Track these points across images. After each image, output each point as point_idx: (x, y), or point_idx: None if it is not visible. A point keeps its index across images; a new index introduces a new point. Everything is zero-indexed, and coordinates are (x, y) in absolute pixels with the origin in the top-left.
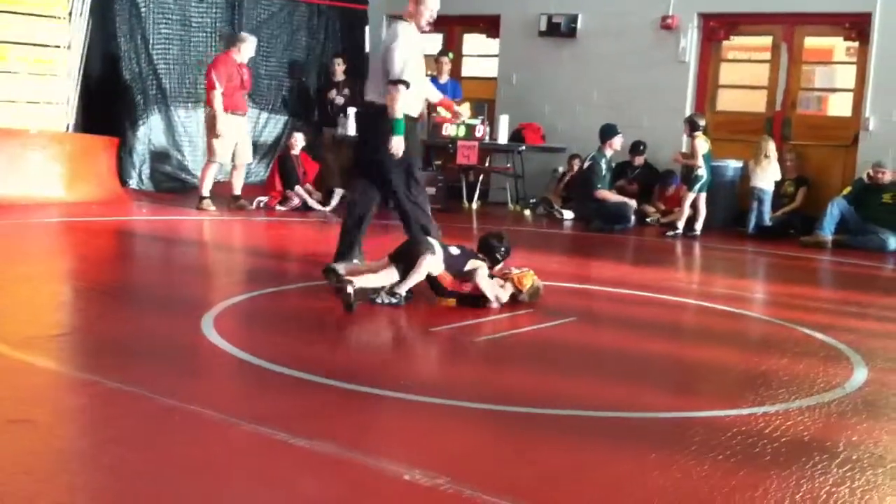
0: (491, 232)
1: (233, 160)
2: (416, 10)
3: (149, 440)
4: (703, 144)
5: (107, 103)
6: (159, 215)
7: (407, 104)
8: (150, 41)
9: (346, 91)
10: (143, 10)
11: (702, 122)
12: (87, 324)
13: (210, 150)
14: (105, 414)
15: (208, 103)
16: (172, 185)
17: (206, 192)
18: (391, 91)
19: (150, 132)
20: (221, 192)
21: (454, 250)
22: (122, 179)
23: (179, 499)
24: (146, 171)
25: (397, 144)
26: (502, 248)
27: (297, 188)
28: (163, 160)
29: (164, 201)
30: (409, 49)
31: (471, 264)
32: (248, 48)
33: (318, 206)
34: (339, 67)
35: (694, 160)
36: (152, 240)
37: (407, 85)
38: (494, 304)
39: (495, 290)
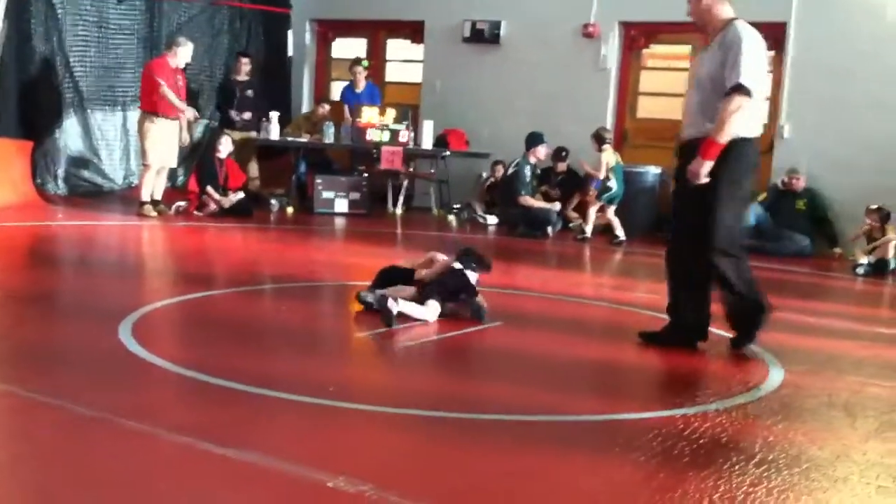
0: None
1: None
2: None
3: (67, 452)
4: (610, 158)
5: (22, 106)
6: (75, 220)
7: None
8: (67, 43)
9: (250, 92)
10: (59, 11)
11: (608, 136)
12: None
13: (144, 155)
14: (20, 425)
15: (143, 107)
16: (89, 189)
17: (145, 197)
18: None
19: (66, 136)
20: (135, 196)
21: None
22: (37, 184)
23: None
24: (62, 175)
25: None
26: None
27: (210, 189)
28: (79, 164)
29: (80, 206)
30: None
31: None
32: (183, 53)
33: (233, 199)
34: (244, 67)
35: (597, 172)
36: (68, 245)
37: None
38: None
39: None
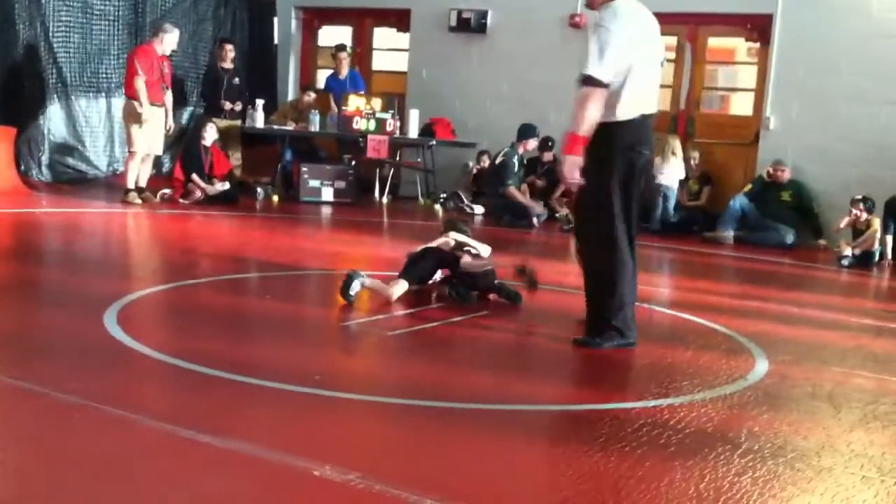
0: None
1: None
2: None
3: (47, 438)
4: None
5: (5, 92)
6: (59, 207)
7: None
8: (51, 29)
9: (237, 80)
10: None
11: None
12: None
13: (129, 141)
14: (3, 412)
15: (128, 94)
16: (73, 176)
17: (130, 184)
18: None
19: (50, 122)
20: (118, 183)
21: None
22: (21, 171)
23: (80, 499)
24: (46, 161)
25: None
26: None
27: (195, 177)
28: (63, 151)
29: (64, 193)
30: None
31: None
32: (170, 40)
33: (218, 187)
34: (229, 54)
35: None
36: (52, 233)
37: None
38: None
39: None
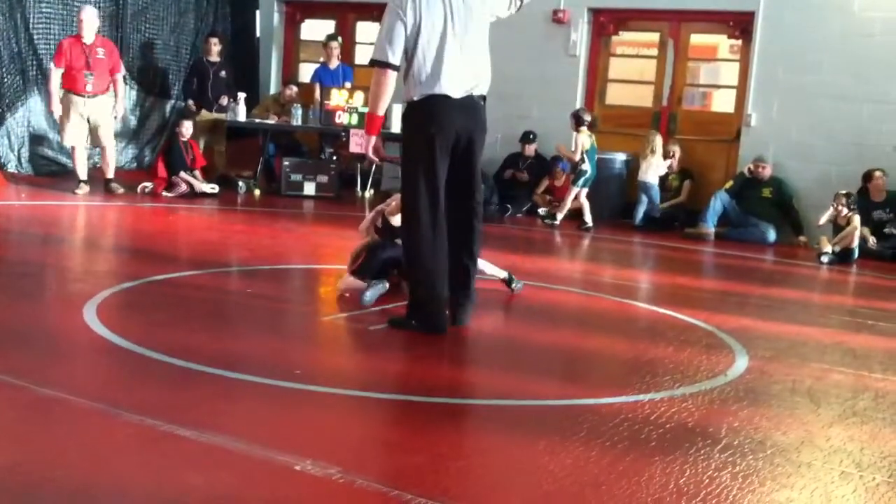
0: None
1: (95, 144)
2: None
3: (25, 431)
4: (586, 140)
5: None
6: (39, 200)
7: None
8: (31, 20)
9: (223, 73)
10: None
11: (587, 118)
12: None
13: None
14: None
15: (62, 86)
16: (53, 168)
17: (80, 175)
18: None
19: (29, 114)
20: (97, 176)
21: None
22: (0, 163)
23: (57, 492)
24: (25, 154)
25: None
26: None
27: (183, 174)
28: (43, 143)
29: (44, 185)
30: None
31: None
32: (87, 25)
33: (207, 189)
34: (215, 47)
35: (573, 155)
36: (31, 226)
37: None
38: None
39: None
